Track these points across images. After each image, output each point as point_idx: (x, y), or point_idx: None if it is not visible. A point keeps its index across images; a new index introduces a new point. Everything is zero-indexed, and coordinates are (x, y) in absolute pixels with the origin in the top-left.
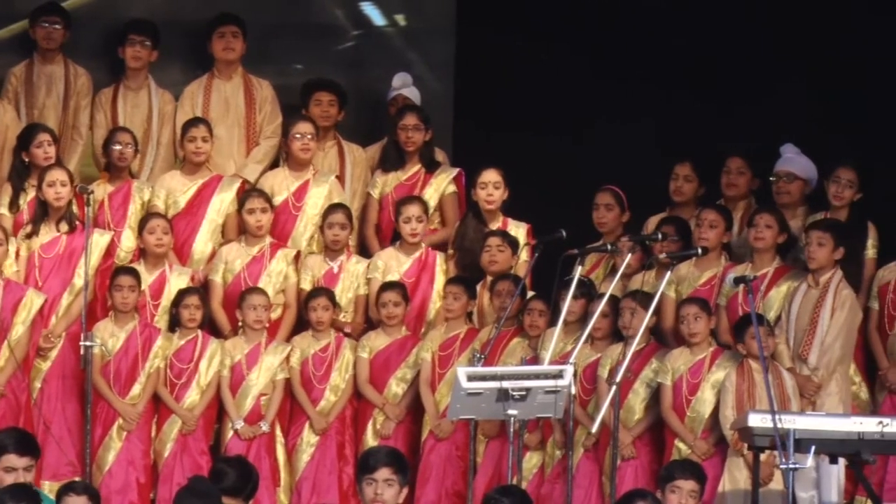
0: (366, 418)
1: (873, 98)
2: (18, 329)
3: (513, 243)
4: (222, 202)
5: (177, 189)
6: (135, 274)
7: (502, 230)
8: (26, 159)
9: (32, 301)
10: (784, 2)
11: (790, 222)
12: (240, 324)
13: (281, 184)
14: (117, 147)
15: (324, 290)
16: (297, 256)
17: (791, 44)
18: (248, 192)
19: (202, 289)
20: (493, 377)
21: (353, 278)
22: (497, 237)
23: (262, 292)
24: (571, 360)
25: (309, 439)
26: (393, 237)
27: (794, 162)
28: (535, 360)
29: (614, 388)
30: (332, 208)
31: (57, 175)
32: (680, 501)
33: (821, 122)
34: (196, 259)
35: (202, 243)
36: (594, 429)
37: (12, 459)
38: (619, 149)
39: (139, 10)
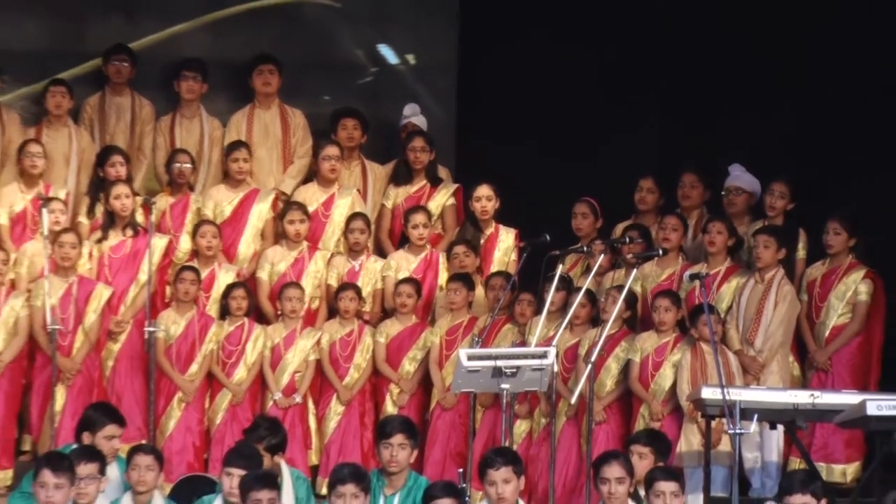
0: (383, 392)
1: (805, 120)
2: (91, 317)
3: (475, 248)
4: (261, 211)
5: (223, 200)
6: (195, 270)
7: (465, 238)
8: (101, 175)
9: (102, 294)
10: (733, 46)
11: (738, 228)
12: (279, 312)
13: (312, 196)
14: (177, 165)
15: (352, 285)
16: (329, 259)
17: (739, 78)
18: (288, 204)
19: (247, 283)
20: (489, 357)
21: (371, 275)
22: (462, 245)
23: (298, 286)
24: (554, 343)
25: (336, 409)
26: (401, 240)
27: (740, 178)
28: (524, 343)
29: (590, 366)
30: (354, 216)
31: (122, 189)
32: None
33: (761, 142)
34: (241, 258)
35: (246, 245)
36: (573, 400)
37: (112, 429)
38: (592, 165)
39: (192, 50)
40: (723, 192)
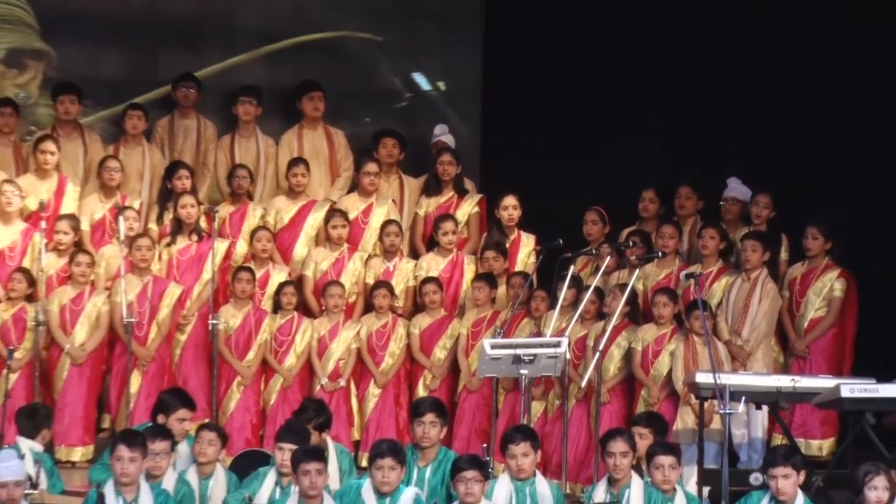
0: (417, 377)
1: (789, 139)
2: (163, 311)
3: (504, 253)
4: (315, 219)
5: (283, 209)
6: (251, 271)
7: (494, 242)
8: (170, 187)
9: (174, 291)
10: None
11: (733, 234)
12: (323, 307)
13: (353, 205)
14: (237, 179)
15: (385, 283)
16: (366, 260)
17: (735, 99)
18: (331, 211)
19: (296, 282)
20: (510, 346)
21: (403, 274)
22: (492, 250)
23: (340, 284)
24: (566, 334)
25: (373, 392)
26: (430, 244)
27: (736, 190)
28: (540, 334)
29: (597, 354)
30: (388, 223)
31: (188, 200)
32: (664, 476)
33: (750, 158)
34: (297, 260)
35: (301, 248)
36: (583, 384)
37: (181, 413)
38: (601, 178)
39: (248, 78)
40: (721, 202)
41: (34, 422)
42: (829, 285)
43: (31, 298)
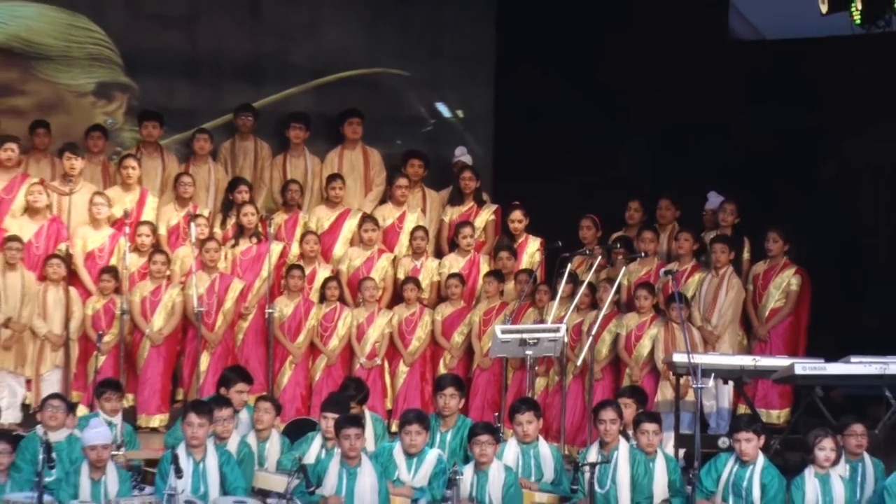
0: (438, 357)
1: (752, 157)
2: (228, 302)
3: (515, 254)
4: (350, 225)
5: (324, 217)
6: (301, 268)
7: (506, 245)
8: (231, 198)
9: (237, 286)
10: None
11: (706, 237)
12: (359, 298)
13: (389, 213)
14: (289, 192)
15: (413, 279)
16: (395, 259)
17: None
18: (363, 218)
19: (338, 277)
20: (517, 331)
21: (428, 272)
22: (506, 251)
23: (373, 279)
24: (564, 321)
25: (403, 369)
26: (451, 246)
27: (716, 203)
28: (542, 321)
29: (590, 338)
30: (416, 228)
31: (249, 209)
32: (649, 440)
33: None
34: (335, 259)
35: (339, 249)
36: (578, 363)
37: (242, 387)
38: (594, 190)
39: (298, 106)
40: (703, 212)
41: (120, 392)
42: (787, 281)
43: (117, 292)
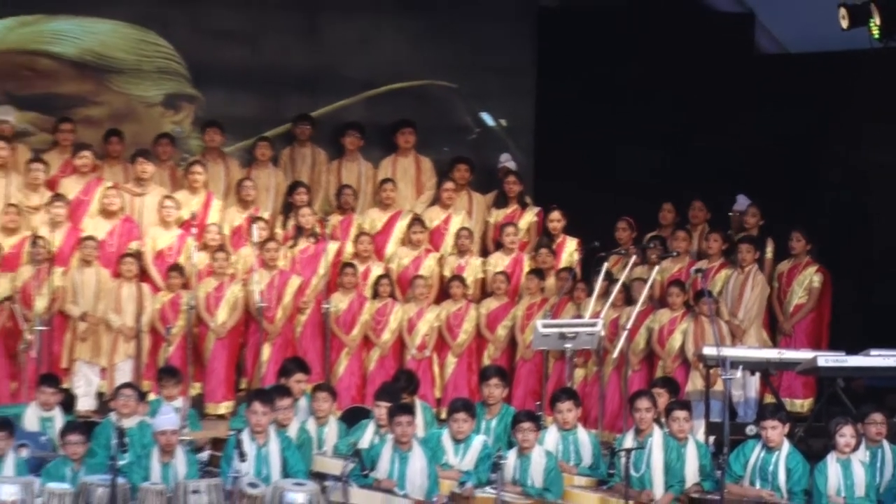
0: (483, 349)
1: (776, 161)
2: (287, 298)
3: (554, 253)
4: (401, 227)
5: (377, 218)
6: (355, 266)
7: (546, 244)
8: (290, 201)
9: (295, 283)
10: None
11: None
12: (409, 294)
13: (436, 215)
14: (344, 196)
15: (459, 276)
16: (441, 258)
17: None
18: (412, 220)
19: (389, 274)
20: (557, 325)
21: (472, 269)
22: (545, 249)
23: (424, 277)
24: (601, 316)
25: (451, 360)
26: (496, 245)
27: (743, 205)
28: (580, 316)
29: (626, 332)
30: (461, 229)
31: (306, 211)
32: (680, 427)
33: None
34: (387, 258)
35: (391, 249)
36: (615, 355)
37: (301, 377)
38: (629, 194)
39: (353, 116)
40: (730, 213)
41: (176, 379)
42: (810, 278)
43: (183, 287)
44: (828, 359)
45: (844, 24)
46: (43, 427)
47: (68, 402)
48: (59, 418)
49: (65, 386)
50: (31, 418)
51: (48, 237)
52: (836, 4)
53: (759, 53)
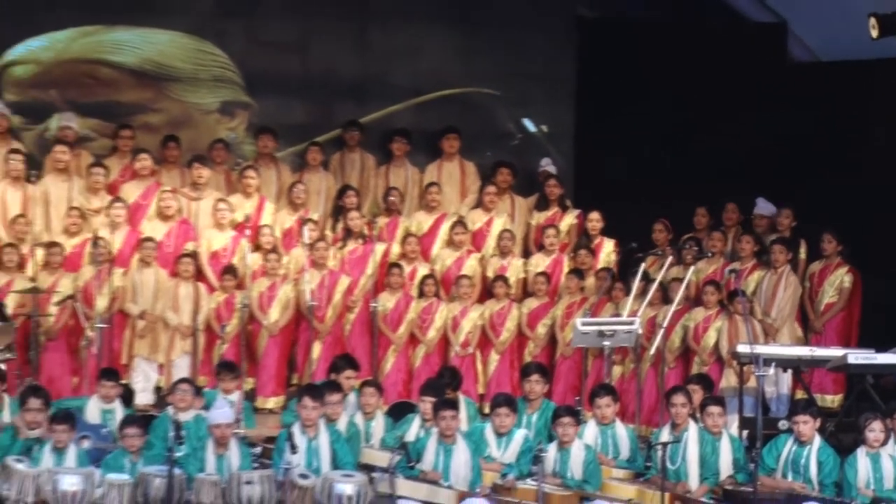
0: (524, 346)
1: (808, 166)
2: (337, 297)
3: (593, 253)
4: (446, 228)
5: (423, 221)
6: (401, 267)
7: (585, 245)
8: (340, 204)
9: (344, 282)
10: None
11: (765, 240)
12: (454, 293)
13: (479, 217)
14: (391, 198)
15: (502, 277)
16: (482, 259)
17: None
18: (456, 222)
19: (434, 274)
20: (596, 323)
21: (514, 270)
22: (584, 250)
23: (468, 277)
24: (638, 315)
25: (494, 357)
26: (538, 247)
27: (763, 208)
28: (618, 315)
29: (662, 329)
30: (503, 231)
31: (355, 213)
32: (714, 421)
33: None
34: (433, 258)
35: (437, 250)
36: (651, 352)
37: (350, 373)
38: (665, 197)
39: (400, 122)
40: (751, 217)
41: (234, 373)
42: (840, 278)
43: (237, 287)
44: (857, 356)
45: (874, 33)
46: (104, 419)
47: (128, 396)
48: (119, 411)
49: (124, 381)
50: (92, 411)
51: (108, 239)
52: (867, 14)
53: (791, 62)
